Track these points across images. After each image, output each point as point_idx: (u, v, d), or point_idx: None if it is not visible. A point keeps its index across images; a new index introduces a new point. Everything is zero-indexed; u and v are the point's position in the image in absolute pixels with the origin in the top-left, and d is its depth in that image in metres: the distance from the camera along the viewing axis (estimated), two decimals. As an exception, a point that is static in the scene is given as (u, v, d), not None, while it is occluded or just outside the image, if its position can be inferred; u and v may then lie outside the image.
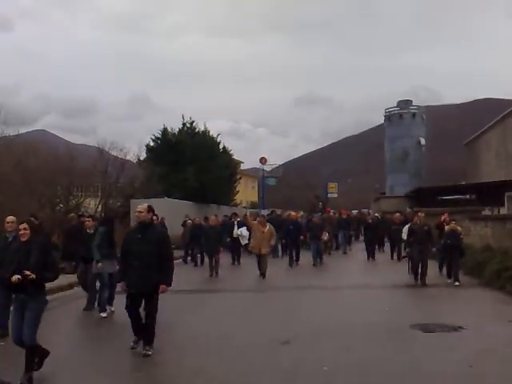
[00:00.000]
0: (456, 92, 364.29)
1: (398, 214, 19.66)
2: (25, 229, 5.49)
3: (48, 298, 9.38)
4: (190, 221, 19.62)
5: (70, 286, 11.64)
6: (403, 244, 15.71)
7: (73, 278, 11.01)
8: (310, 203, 48.01)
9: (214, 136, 33.05)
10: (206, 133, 32.41)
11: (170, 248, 6.84)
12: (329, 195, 49.34)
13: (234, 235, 18.55)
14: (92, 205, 25.26)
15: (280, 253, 19.85)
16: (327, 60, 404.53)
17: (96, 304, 9.41)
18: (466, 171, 48.15)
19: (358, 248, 22.29)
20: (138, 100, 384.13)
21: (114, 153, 27.61)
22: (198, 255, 18.01)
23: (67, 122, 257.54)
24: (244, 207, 41.28)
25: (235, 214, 21.41)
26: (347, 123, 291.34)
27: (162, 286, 6.36)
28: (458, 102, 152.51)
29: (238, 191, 38.24)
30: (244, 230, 18.15)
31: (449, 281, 12.31)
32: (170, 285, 6.54)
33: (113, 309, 9.14)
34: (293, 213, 20.38)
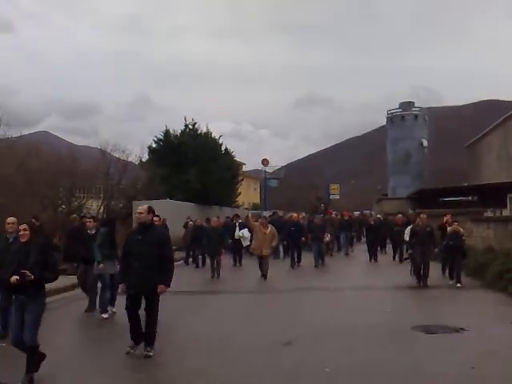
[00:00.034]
0: (458, 93, 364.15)
1: (400, 216, 19.62)
2: (24, 230, 5.51)
3: (49, 299, 9.40)
4: (191, 222, 19.63)
5: (72, 287, 11.65)
6: (405, 245, 15.68)
7: (74, 279, 11.00)
8: (312, 205, 47.96)
9: (216, 138, 33.11)
10: (207, 134, 32.45)
11: (171, 249, 6.84)
12: (331, 197, 49.31)
13: (236, 237, 18.55)
14: (94, 206, 25.30)
15: (282, 254, 19.84)
16: (328, 61, 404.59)
17: (97, 305, 9.41)
18: (467, 173, 48.11)
19: (360, 249, 22.26)
20: (139, 101, 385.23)
21: (116, 154, 27.72)
22: (200, 257, 18.02)
23: (69, 124, 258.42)
24: (246, 209, 41.26)
25: (237, 216, 21.40)
26: (348, 124, 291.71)
27: (161, 287, 6.35)
28: (461, 104, 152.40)
29: (239, 193, 38.26)
30: (246, 232, 18.15)
31: (451, 282, 12.29)
32: (169, 286, 6.53)
33: (114, 310, 9.15)
34: (294, 214, 20.35)
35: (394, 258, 18.71)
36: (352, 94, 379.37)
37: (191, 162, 29.61)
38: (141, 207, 6.77)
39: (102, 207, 25.33)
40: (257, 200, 50.73)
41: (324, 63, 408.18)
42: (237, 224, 19.58)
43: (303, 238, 17.60)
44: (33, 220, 7.63)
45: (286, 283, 13.62)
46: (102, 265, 9.08)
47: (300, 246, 17.61)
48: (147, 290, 6.37)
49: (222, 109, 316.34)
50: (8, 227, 7.13)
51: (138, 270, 6.34)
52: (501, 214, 22.59)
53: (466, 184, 40.21)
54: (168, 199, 26.22)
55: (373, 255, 18.81)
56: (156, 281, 6.35)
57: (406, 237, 14.09)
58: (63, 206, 23.03)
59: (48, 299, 9.20)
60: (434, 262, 13.00)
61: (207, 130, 32.55)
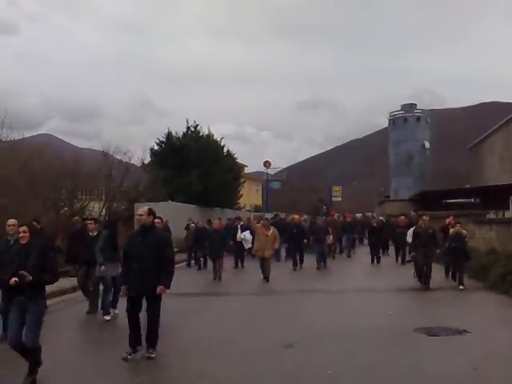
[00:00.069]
0: (460, 95, 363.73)
1: (402, 217, 19.61)
2: (24, 232, 5.51)
3: (52, 301, 9.41)
4: (193, 224, 19.63)
5: (74, 289, 11.64)
6: (408, 247, 15.66)
7: (76, 281, 11.01)
8: (314, 207, 47.96)
9: (218, 140, 33.13)
10: (210, 136, 32.48)
11: (172, 251, 6.84)
12: (333, 199, 49.26)
13: (238, 239, 18.54)
14: (96, 208, 25.33)
15: (284, 256, 19.81)
16: (330, 63, 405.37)
17: (99, 307, 9.41)
18: (470, 175, 48.04)
19: (363, 251, 22.24)
20: (141, 104, 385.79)
21: (118, 156, 27.80)
22: (201, 259, 18.01)
23: (72, 126, 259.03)
24: (248, 211, 41.29)
25: (238, 218, 21.42)
26: (351, 126, 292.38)
27: (160, 287, 6.32)
28: (463, 106, 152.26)
29: (241, 195, 38.28)
30: (247, 234, 18.13)
31: (454, 284, 12.25)
32: (169, 287, 6.51)
33: (117, 311, 9.14)
34: (296, 216, 20.34)
35: (396, 260, 18.69)
36: (353, 96, 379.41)
37: (193, 164, 29.65)
38: (141, 209, 6.77)
39: (104, 209, 25.36)
40: (259, 202, 50.74)
41: (326, 65, 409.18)
42: (238, 226, 19.58)
43: (305, 240, 17.60)
44: (33, 222, 7.64)
45: (287, 285, 13.62)
46: (103, 267, 9.08)
47: (302, 249, 17.60)
48: (148, 292, 6.36)
49: (224, 111, 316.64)
50: (9, 229, 7.13)
51: (138, 271, 6.34)
52: (503, 215, 22.51)
53: (468, 186, 40.14)
54: (170, 201, 26.25)
55: (375, 257, 18.78)
56: (156, 282, 6.34)
57: (409, 238, 14.08)
58: (65, 208, 23.06)
59: (50, 301, 9.21)
60: (436, 264, 12.99)
61: (209, 132, 32.64)
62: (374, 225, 20.73)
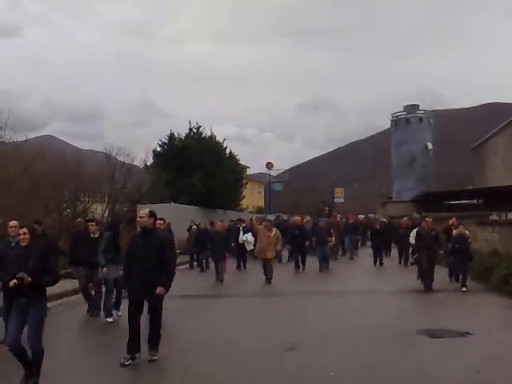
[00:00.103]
0: (462, 96, 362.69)
1: (405, 219, 19.57)
2: (24, 234, 5.50)
3: (54, 303, 9.41)
4: (194, 226, 19.63)
5: (76, 292, 11.65)
6: (411, 248, 15.62)
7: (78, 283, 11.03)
8: (316, 208, 47.96)
9: (221, 141, 33.18)
10: (212, 138, 32.53)
11: (174, 253, 6.86)
12: (335, 200, 49.26)
13: (240, 241, 18.52)
14: (99, 210, 25.38)
15: (286, 258, 19.79)
16: (331, 64, 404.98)
17: (102, 309, 9.42)
18: (472, 176, 47.95)
19: (365, 253, 22.21)
20: (144, 106, 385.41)
21: (121, 158, 27.84)
22: (204, 260, 18.01)
23: (74, 128, 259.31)
24: (250, 212, 41.28)
25: (240, 220, 21.41)
26: (352, 128, 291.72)
27: (160, 288, 6.30)
28: (465, 107, 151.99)
29: (244, 196, 38.28)
30: (250, 236, 18.11)
31: (456, 286, 12.22)
32: (168, 289, 6.49)
33: (120, 313, 9.12)
34: (297, 217, 20.28)
35: (400, 261, 18.63)
36: (355, 97, 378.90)
37: (195, 165, 29.69)
38: (142, 211, 6.76)
39: (106, 211, 25.40)
40: (261, 203, 50.73)
41: (327, 66, 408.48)
42: (240, 228, 19.57)
43: (307, 242, 17.56)
44: (35, 225, 7.65)
45: (290, 287, 13.61)
46: (105, 268, 9.09)
47: (304, 251, 17.56)
48: (149, 294, 6.35)
49: (228, 113, 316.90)
50: (10, 231, 7.15)
51: (140, 274, 6.33)
52: (506, 217, 22.45)
53: (471, 187, 40.06)
54: (172, 203, 26.28)
55: (378, 259, 18.73)
56: (156, 284, 6.33)
57: (412, 239, 14.05)
58: (68, 210, 23.11)
59: (53, 303, 9.23)
60: (440, 266, 12.96)
61: (211, 133, 32.69)
62: (377, 227, 20.63)
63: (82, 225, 12.39)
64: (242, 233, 18.97)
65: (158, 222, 9.29)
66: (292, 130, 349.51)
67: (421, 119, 54.33)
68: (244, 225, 20.19)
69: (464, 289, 11.87)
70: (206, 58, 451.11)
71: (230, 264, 16.69)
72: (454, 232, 12.79)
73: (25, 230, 5.55)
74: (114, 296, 9.26)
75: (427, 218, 13.09)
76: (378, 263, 18.57)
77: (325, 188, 61.13)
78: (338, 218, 24.59)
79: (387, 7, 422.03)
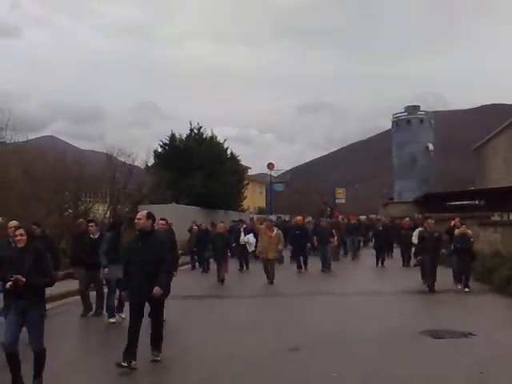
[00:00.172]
0: (462, 97, 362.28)
1: (407, 219, 19.55)
2: (21, 235, 5.43)
3: (54, 304, 9.39)
4: (195, 227, 19.61)
5: (77, 292, 11.63)
6: (413, 248, 15.57)
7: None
8: (318, 209, 47.90)
9: (222, 142, 33.18)
10: (213, 139, 32.54)
11: (176, 254, 6.79)
12: (337, 201, 49.26)
13: (241, 242, 18.49)
14: (100, 211, 25.40)
15: (288, 258, 19.73)
16: (332, 66, 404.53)
17: (104, 309, 9.40)
18: (474, 177, 47.91)
19: (367, 254, 22.18)
20: (145, 106, 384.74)
21: (122, 159, 27.81)
22: (205, 261, 17.98)
23: (75, 129, 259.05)
24: (251, 213, 41.28)
25: (241, 221, 21.41)
26: (354, 129, 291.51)
27: (156, 289, 6.23)
28: (466, 108, 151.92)
29: (245, 197, 38.30)
30: (251, 237, 18.07)
31: (459, 286, 12.19)
32: (163, 289, 6.36)
33: (123, 316, 8.89)
34: (299, 217, 20.22)
35: (403, 263, 18.53)
36: (355, 98, 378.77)
37: (197, 166, 29.70)
38: (140, 213, 6.68)
39: (108, 211, 25.41)
40: (262, 204, 50.71)
41: (328, 66, 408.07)
42: (241, 229, 19.54)
43: (308, 244, 17.52)
44: (33, 226, 7.63)
45: (292, 288, 13.58)
46: (107, 269, 9.07)
47: (305, 251, 17.52)
48: (149, 297, 6.29)
49: (229, 114, 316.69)
50: (10, 231, 7.14)
51: (139, 277, 6.27)
52: (508, 217, 22.42)
53: (472, 188, 40.04)
54: (174, 203, 26.28)
55: (380, 260, 18.68)
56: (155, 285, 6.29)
57: (414, 240, 14.03)
58: (70, 211, 23.11)
59: (56, 303, 9.22)
60: (442, 267, 12.93)
61: (212, 134, 32.69)
62: (380, 228, 20.53)
63: (84, 225, 12.40)
64: (242, 233, 18.95)
65: (161, 222, 9.28)
66: (293, 131, 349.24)
67: (422, 120, 54.29)
68: (245, 225, 20.17)
69: (467, 289, 11.84)
70: (206, 59, 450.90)
71: (232, 265, 16.65)
72: (456, 231, 12.75)
73: (21, 231, 5.48)
74: (116, 296, 9.22)
75: (429, 220, 13.05)
76: (380, 264, 18.53)
77: (326, 189, 61.14)
78: (340, 219, 24.56)
79: (387, 7, 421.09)
